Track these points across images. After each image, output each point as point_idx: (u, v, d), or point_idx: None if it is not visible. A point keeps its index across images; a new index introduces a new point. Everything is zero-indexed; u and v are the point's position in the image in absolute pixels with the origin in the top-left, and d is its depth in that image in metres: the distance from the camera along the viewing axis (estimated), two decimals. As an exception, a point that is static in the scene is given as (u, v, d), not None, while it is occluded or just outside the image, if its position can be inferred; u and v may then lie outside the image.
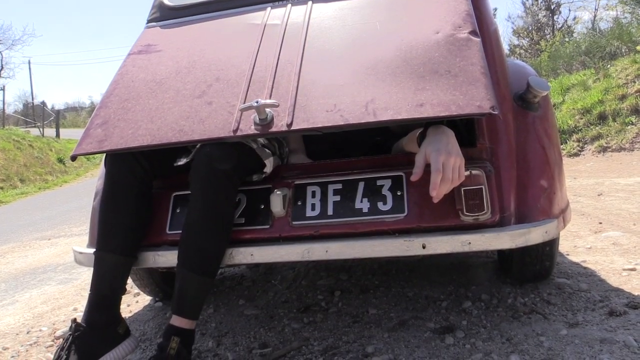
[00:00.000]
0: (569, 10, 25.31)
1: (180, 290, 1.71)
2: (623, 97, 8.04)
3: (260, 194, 1.83)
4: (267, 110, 1.59)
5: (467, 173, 1.60)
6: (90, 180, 13.30)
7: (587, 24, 23.64)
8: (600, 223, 3.79)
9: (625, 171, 6.27)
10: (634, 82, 8.31)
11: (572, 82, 9.79)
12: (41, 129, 21.02)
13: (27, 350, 2.46)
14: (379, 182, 1.72)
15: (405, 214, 1.66)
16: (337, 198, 1.73)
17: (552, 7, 25.68)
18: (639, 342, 1.83)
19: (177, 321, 1.70)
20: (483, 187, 1.60)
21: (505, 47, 30.61)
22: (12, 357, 2.39)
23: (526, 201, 1.73)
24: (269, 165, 1.89)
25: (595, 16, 23.70)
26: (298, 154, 2.09)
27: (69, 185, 12.59)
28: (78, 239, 5.38)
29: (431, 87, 1.51)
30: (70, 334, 1.68)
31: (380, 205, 1.69)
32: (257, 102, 1.57)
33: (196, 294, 1.71)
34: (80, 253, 2.06)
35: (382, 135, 2.17)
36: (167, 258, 1.80)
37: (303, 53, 1.78)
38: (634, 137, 7.29)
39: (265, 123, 1.58)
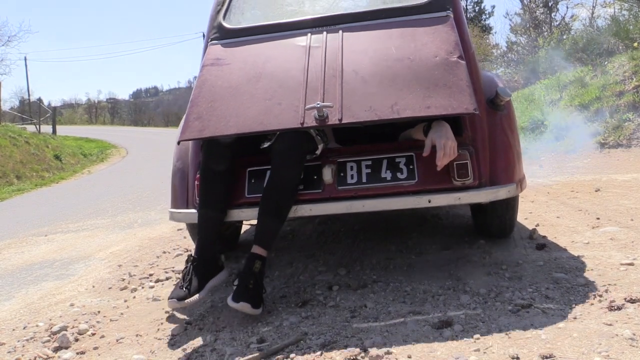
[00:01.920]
0: (567, 7, 25.33)
1: (262, 229, 2.42)
2: (620, 94, 8.05)
3: (313, 168, 2.50)
4: (324, 109, 2.24)
5: (458, 152, 2.33)
6: (86, 177, 13.25)
7: (584, 21, 23.61)
8: (598, 218, 3.79)
9: (622, 167, 6.28)
10: (631, 78, 8.32)
11: (569, 79, 9.80)
12: (37, 126, 20.93)
13: (23, 346, 2.44)
14: (397, 160, 2.45)
15: (416, 180, 2.40)
16: (369, 171, 2.46)
17: (550, 4, 25.69)
18: (637, 336, 1.83)
19: (258, 250, 2.39)
20: (468, 162, 2.38)
21: (503, 44, 30.62)
22: (9, 352, 2.38)
23: (495, 172, 2.50)
24: (320, 148, 2.55)
25: (592, 13, 23.69)
26: (330, 140, 2.75)
27: (66, 182, 12.54)
28: (75, 235, 5.36)
29: (434, 95, 2.22)
30: (190, 265, 2.43)
31: (398, 175, 2.42)
32: (318, 104, 2.24)
33: (272, 232, 2.44)
34: (179, 212, 2.75)
35: (390, 128, 2.80)
36: (248, 213, 2.54)
37: (342, 69, 2.44)
38: (631, 134, 7.30)
39: (322, 118, 2.24)
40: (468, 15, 37.16)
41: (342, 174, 2.47)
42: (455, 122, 2.51)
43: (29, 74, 48.06)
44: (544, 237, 3.43)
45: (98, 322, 2.66)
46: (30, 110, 31.89)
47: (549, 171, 6.62)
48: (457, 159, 2.34)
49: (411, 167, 2.41)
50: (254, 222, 2.55)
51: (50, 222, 6.49)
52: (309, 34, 2.68)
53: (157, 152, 18.11)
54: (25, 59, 39.63)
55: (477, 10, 38.72)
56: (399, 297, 2.53)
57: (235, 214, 2.55)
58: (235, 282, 2.36)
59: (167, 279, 3.34)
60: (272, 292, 2.83)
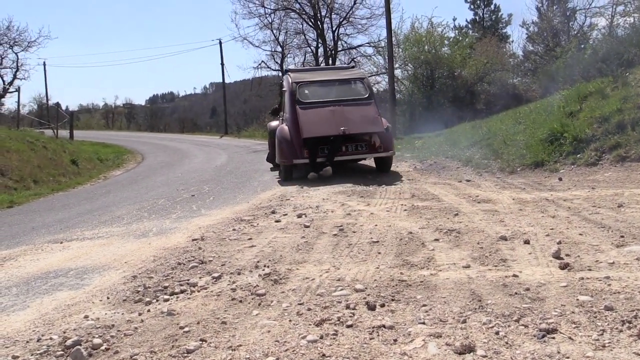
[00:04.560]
0: (585, 16, 24.91)
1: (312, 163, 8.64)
2: (642, 106, 7.87)
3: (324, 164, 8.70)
4: (343, 128, 8.30)
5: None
6: (102, 182, 13.31)
7: (603, 30, 23.32)
8: (622, 236, 3.69)
9: (644, 182, 6.14)
10: (653, 90, 8.14)
11: (589, 90, 9.64)
12: (55, 130, 21.14)
13: (37, 360, 2.42)
14: (360, 144, 8.74)
15: (365, 149, 8.74)
16: (352, 148, 8.76)
17: (568, 13, 25.44)
18: (671, 368, 1.75)
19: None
20: (380, 144, 8.72)
21: (520, 54, 30.33)
22: (22, 366, 2.36)
23: (388, 147, 8.72)
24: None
25: (611, 22, 23.39)
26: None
27: (82, 187, 12.60)
28: (90, 242, 5.36)
29: (372, 126, 8.65)
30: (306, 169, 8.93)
31: (359, 148, 8.74)
32: (343, 128, 8.29)
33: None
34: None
35: (360, 135, 8.78)
36: (302, 161, 8.70)
37: (345, 117, 8.54)
38: (653, 147, 7.13)
39: (344, 131, 8.33)
40: (484, 24, 36.97)
41: (342, 149, 8.53)
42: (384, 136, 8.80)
43: (48, 78, 48.71)
44: (567, 255, 3.34)
45: (112, 336, 2.63)
46: (49, 114, 32.28)
47: (569, 184, 6.50)
48: (379, 145, 8.56)
49: (364, 146, 8.66)
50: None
51: (66, 228, 6.50)
52: (332, 105, 8.80)
53: (173, 157, 18.18)
54: (44, 64, 40.07)
55: (493, 19, 38.51)
56: (417, 317, 2.47)
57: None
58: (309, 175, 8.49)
59: (181, 291, 3.30)
60: (288, 308, 2.78)
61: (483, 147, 9.96)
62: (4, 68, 26.97)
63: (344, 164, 9.06)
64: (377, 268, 3.39)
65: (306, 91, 9.00)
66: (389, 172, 8.72)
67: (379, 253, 3.79)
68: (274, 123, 10.24)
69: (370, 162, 9.89)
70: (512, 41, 34.07)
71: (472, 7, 38.23)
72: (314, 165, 8.43)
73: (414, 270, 3.28)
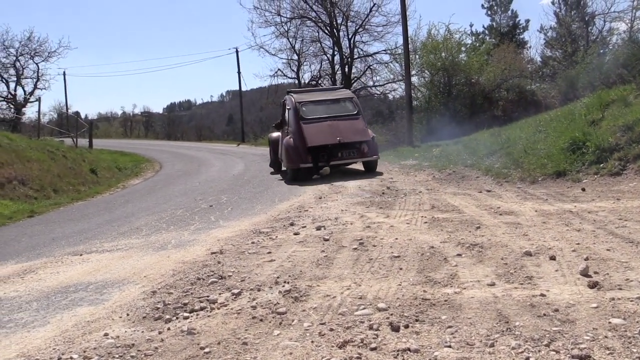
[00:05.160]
0: (604, 21, 24.58)
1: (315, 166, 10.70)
2: (667, 114, 7.70)
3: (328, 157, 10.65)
4: (338, 138, 10.29)
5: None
6: (121, 192, 13.41)
7: (623, 35, 23.00)
8: (652, 252, 3.58)
9: (671, 192, 5.99)
10: (678, 97, 7.97)
11: (611, 97, 9.47)
12: (75, 139, 21.41)
13: (57, 381, 2.39)
14: (352, 150, 10.62)
15: (356, 155, 10.70)
16: (345, 153, 10.63)
17: (587, 17, 25.15)
18: None
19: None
20: (368, 150, 10.70)
21: (538, 59, 30.04)
22: (43, 388, 2.34)
23: (373, 153, 10.75)
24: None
25: (631, 27, 23.06)
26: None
27: (101, 197, 12.70)
28: (109, 255, 5.37)
29: (360, 136, 10.63)
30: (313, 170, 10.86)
31: (351, 154, 10.67)
32: (339, 138, 10.28)
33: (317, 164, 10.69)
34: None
35: (352, 143, 10.65)
36: (307, 165, 10.53)
37: (339, 130, 10.51)
38: (679, 156, 6.96)
39: (340, 140, 10.31)
40: (501, 30, 36.71)
41: (338, 154, 10.45)
42: (371, 143, 10.89)
43: (67, 88, 49.42)
44: (596, 272, 3.24)
45: (132, 356, 2.61)
46: (68, 123, 32.73)
47: (593, 195, 6.36)
48: (367, 151, 10.58)
49: (355, 152, 10.57)
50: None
51: (85, 240, 6.53)
52: (329, 120, 10.72)
53: (190, 166, 18.28)
54: (64, 74, 40.65)
55: (510, 25, 38.21)
56: (443, 339, 2.40)
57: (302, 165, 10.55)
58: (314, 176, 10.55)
59: (201, 308, 3.27)
60: (309, 327, 2.73)
61: (503, 155, 9.83)
62: (25, 78, 27.41)
63: (338, 167, 11.07)
64: (399, 285, 3.33)
65: (307, 109, 11.01)
66: (374, 171, 10.97)
67: (401, 269, 3.72)
68: (275, 134, 12.72)
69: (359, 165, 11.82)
70: (530, 47, 33.63)
71: (489, 12, 37.94)
72: (317, 168, 10.55)
73: (438, 288, 3.21)
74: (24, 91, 27.59)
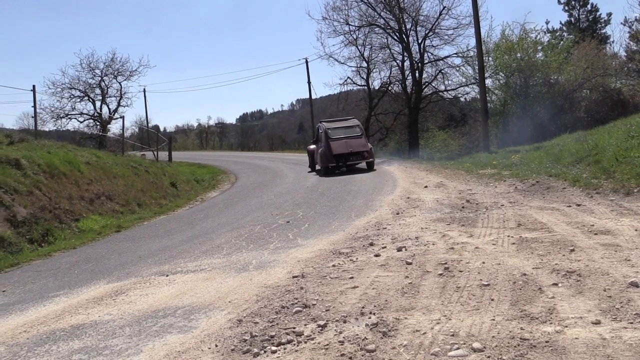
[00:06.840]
0: (698, 10, 22.76)
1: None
2: None
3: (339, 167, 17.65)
4: (350, 149, 17.14)
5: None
6: (199, 205, 13.86)
7: None
8: None
9: None
10: None
11: None
12: (155, 153, 22.41)
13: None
14: (360, 156, 17.40)
15: (364, 157, 17.47)
16: (355, 159, 17.53)
17: (678, 8, 23.39)
18: None
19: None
20: (369, 153, 17.65)
21: (622, 54, 28.26)
22: None
23: (372, 157, 17.74)
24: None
25: None
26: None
27: (181, 210, 13.18)
28: (194, 276, 5.51)
29: (364, 148, 17.47)
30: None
31: (359, 158, 17.47)
32: (350, 149, 17.08)
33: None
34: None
35: (360, 152, 17.49)
36: (333, 165, 17.62)
37: (350, 143, 17.26)
38: None
39: (350, 149, 17.21)
40: (580, 26, 34.88)
41: (350, 158, 17.14)
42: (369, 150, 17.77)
43: (147, 103, 52.19)
44: None
45: (225, 396, 2.61)
46: (149, 137, 34.33)
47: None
48: (367, 156, 17.39)
49: (360, 157, 17.28)
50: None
51: (170, 258, 6.75)
52: (345, 139, 17.35)
53: (264, 177, 18.64)
54: (144, 91, 42.85)
55: (590, 20, 36.22)
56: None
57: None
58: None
59: (288, 342, 3.25)
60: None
61: (591, 164, 9.25)
62: (109, 97, 29.02)
63: (351, 166, 17.27)
64: (493, 320, 3.16)
65: (332, 132, 17.48)
66: (374, 169, 17.08)
67: (492, 300, 3.54)
68: (311, 147, 19.53)
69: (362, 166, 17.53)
70: (613, 41, 31.78)
71: (566, 8, 36.22)
72: (338, 166, 17.05)
73: (536, 325, 3.01)
74: (109, 109, 29.23)
